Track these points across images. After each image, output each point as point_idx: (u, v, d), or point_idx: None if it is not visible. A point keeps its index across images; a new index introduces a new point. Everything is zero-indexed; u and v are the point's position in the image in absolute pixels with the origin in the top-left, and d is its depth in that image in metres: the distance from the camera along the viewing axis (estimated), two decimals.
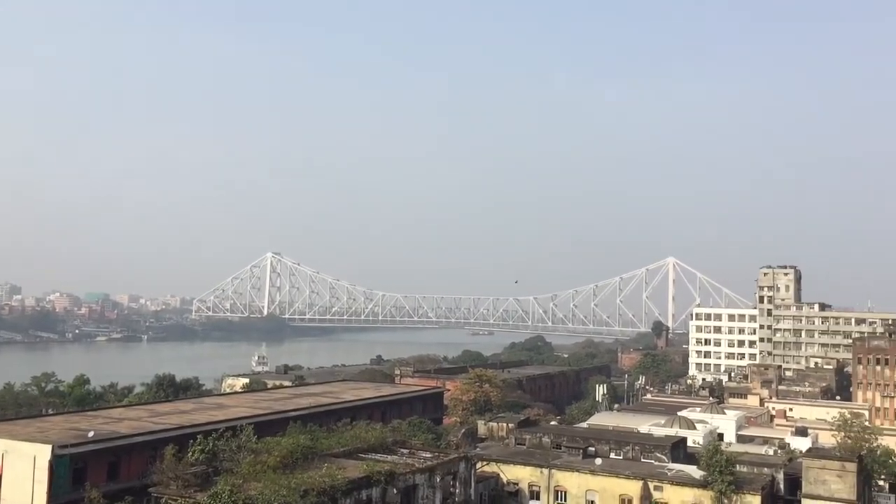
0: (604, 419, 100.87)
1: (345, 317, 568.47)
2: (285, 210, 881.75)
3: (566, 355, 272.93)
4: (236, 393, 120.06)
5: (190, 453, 51.73)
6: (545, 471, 69.58)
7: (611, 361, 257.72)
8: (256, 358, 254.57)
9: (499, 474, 69.86)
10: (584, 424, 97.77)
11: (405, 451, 61.38)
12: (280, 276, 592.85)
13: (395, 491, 51.42)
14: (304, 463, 52.18)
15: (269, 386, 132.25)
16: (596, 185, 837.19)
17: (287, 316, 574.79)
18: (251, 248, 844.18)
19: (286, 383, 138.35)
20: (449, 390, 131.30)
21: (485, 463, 69.32)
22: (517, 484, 69.91)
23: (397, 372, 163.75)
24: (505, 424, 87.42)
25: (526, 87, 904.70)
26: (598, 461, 71.38)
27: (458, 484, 58.20)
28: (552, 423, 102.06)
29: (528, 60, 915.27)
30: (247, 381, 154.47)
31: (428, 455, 60.11)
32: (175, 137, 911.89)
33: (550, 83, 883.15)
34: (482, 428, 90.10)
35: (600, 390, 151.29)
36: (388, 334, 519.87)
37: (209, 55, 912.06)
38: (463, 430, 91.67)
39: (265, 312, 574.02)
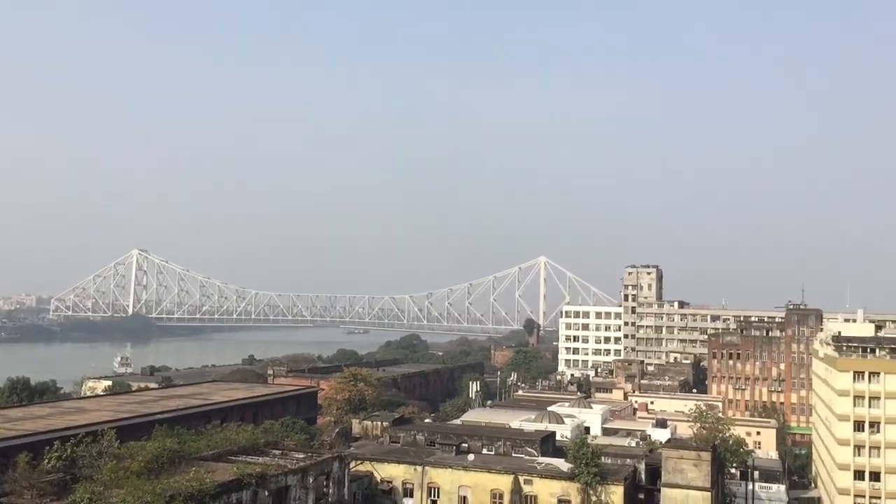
0: (477, 416, 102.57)
1: (216, 316, 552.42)
2: (154, 206, 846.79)
3: (441, 353, 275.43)
4: (98, 396, 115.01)
5: (46, 460, 49.01)
6: (419, 468, 70.14)
7: (484, 359, 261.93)
8: (119, 359, 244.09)
9: (373, 473, 69.82)
10: (457, 421, 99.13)
11: (277, 452, 60.30)
12: (147, 274, 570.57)
13: (266, 493, 50.45)
14: (170, 467, 50.37)
15: (133, 388, 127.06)
16: (472, 186, 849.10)
17: (154, 315, 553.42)
18: (115, 245, 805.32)
19: (152, 385, 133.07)
20: (323, 390, 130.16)
21: (359, 462, 69.08)
22: (391, 482, 70.12)
23: (270, 372, 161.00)
24: (379, 423, 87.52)
25: (395, 87, 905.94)
26: (471, 457, 72.60)
27: (331, 484, 57.72)
28: (426, 420, 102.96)
29: (396, 60, 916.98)
30: (109, 383, 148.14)
31: (301, 456, 59.29)
32: (33, 132, 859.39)
33: (420, 83, 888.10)
34: (357, 427, 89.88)
35: (474, 387, 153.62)
36: (262, 334, 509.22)
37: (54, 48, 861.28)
38: (337, 430, 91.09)
39: (130, 312, 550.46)
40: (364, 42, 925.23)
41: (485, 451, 75.58)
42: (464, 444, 76.24)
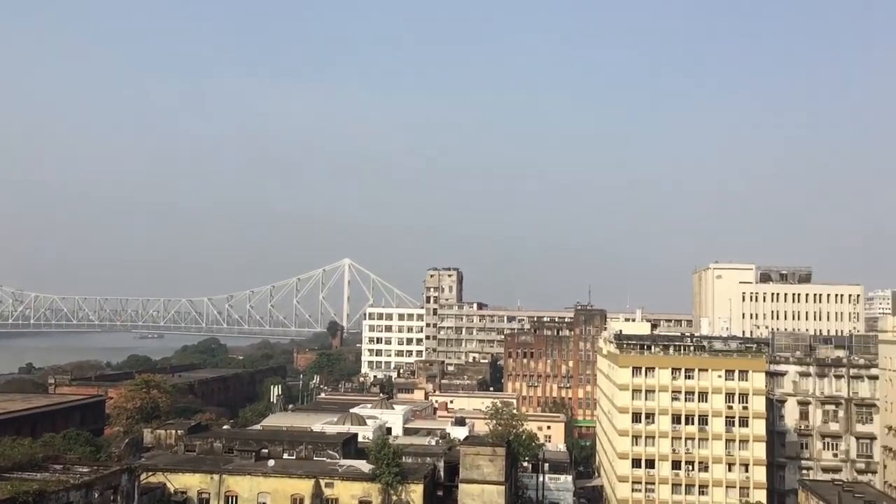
0: (278, 420, 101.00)
1: None
2: None
3: (241, 357, 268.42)
4: None
5: None
6: (215, 476, 68.05)
7: (287, 362, 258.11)
8: None
9: (166, 484, 66.88)
10: (258, 427, 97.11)
11: (58, 467, 56.21)
12: None
13: None
14: None
15: None
16: (275, 187, 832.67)
17: None
18: None
19: None
20: (112, 398, 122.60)
21: (150, 473, 65.94)
22: (186, 493, 67.53)
23: (52, 381, 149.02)
24: (174, 431, 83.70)
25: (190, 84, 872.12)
26: (271, 463, 71.43)
27: (119, 498, 54.56)
28: (225, 427, 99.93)
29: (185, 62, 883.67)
30: None
31: (85, 470, 55.61)
32: None
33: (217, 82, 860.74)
34: (149, 436, 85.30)
35: (275, 391, 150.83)
36: (42, 340, 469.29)
37: None
38: (127, 441, 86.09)
39: None
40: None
41: (286, 455, 74.60)
42: (264, 450, 74.82)
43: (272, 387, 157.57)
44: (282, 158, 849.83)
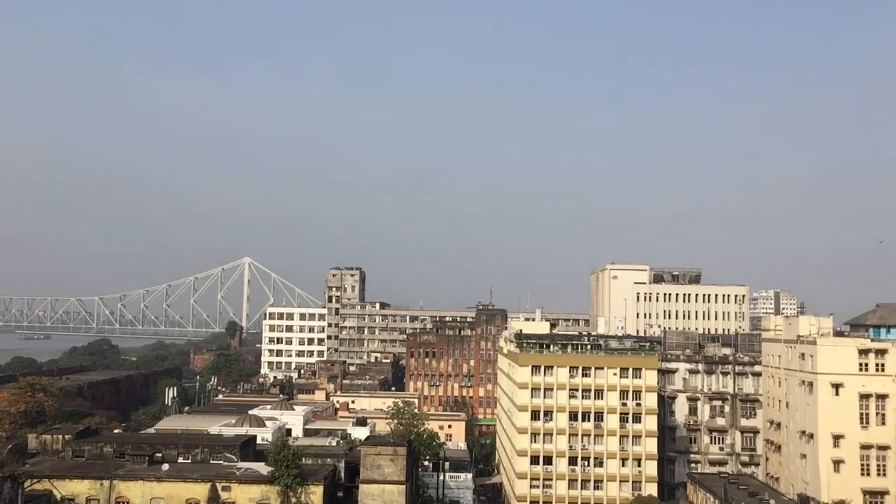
0: (173, 423, 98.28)
1: None
2: None
3: (135, 359, 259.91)
4: None
5: None
6: (105, 482, 65.75)
7: (183, 363, 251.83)
8: None
9: (52, 491, 64.18)
10: (151, 430, 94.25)
11: None
12: None
13: None
14: None
15: None
16: (174, 182, 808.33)
17: None
18: None
19: None
20: None
21: (35, 480, 63.19)
22: (73, 500, 65.06)
23: None
24: (61, 436, 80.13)
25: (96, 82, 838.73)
26: (165, 467, 69.44)
27: None
28: (116, 431, 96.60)
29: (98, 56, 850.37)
30: None
31: None
32: None
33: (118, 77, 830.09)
34: (34, 442, 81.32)
35: (170, 393, 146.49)
36: None
37: None
38: (10, 446, 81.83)
39: None
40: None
41: (181, 459, 72.61)
42: (157, 454, 72.58)
43: (167, 389, 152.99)
44: (180, 152, 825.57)
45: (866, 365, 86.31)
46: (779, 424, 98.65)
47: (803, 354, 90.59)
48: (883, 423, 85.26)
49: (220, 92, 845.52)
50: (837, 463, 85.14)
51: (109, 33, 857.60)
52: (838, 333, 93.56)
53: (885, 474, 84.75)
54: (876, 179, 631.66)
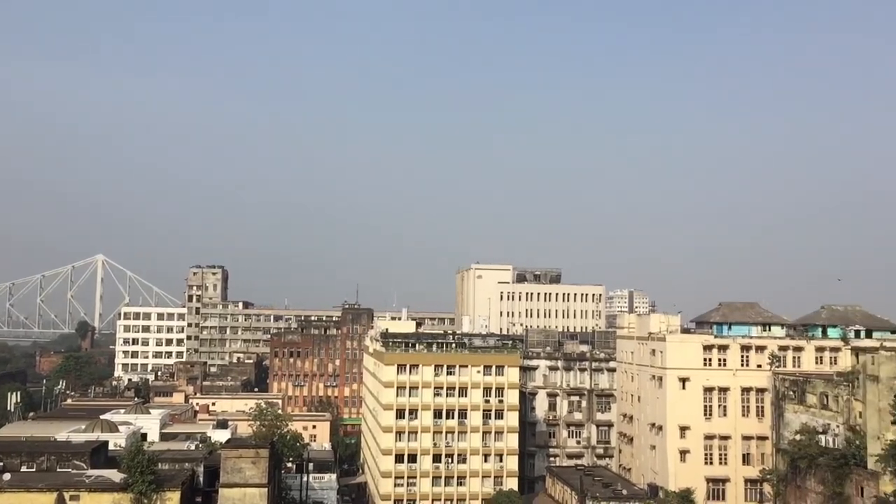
0: (16, 430, 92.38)
1: None
2: None
3: None
4: None
5: None
6: None
7: (28, 366, 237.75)
8: None
9: None
10: None
11: None
12: None
13: None
14: None
15: None
16: (26, 176, 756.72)
17: None
18: None
19: None
20: None
21: None
22: None
23: None
24: None
25: None
26: (7, 476, 65.29)
27: None
28: None
29: None
30: None
31: None
32: None
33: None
34: None
35: (13, 398, 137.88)
36: None
37: None
38: None
39: None
40: None
41: (24, 468, 68.47)
42: None
43: (9, 394, 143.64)
44: (21, 135, 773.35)
45: (710, 360, 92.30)
46: (631, 417, 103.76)
47: (654, 350, 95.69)
48: (724, 415, 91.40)
49: (72, 77, 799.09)
50: (684, 453, 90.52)
51: None
52: (685, 330, 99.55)
53: (726, 462, 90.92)
54: (713, 184, 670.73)
